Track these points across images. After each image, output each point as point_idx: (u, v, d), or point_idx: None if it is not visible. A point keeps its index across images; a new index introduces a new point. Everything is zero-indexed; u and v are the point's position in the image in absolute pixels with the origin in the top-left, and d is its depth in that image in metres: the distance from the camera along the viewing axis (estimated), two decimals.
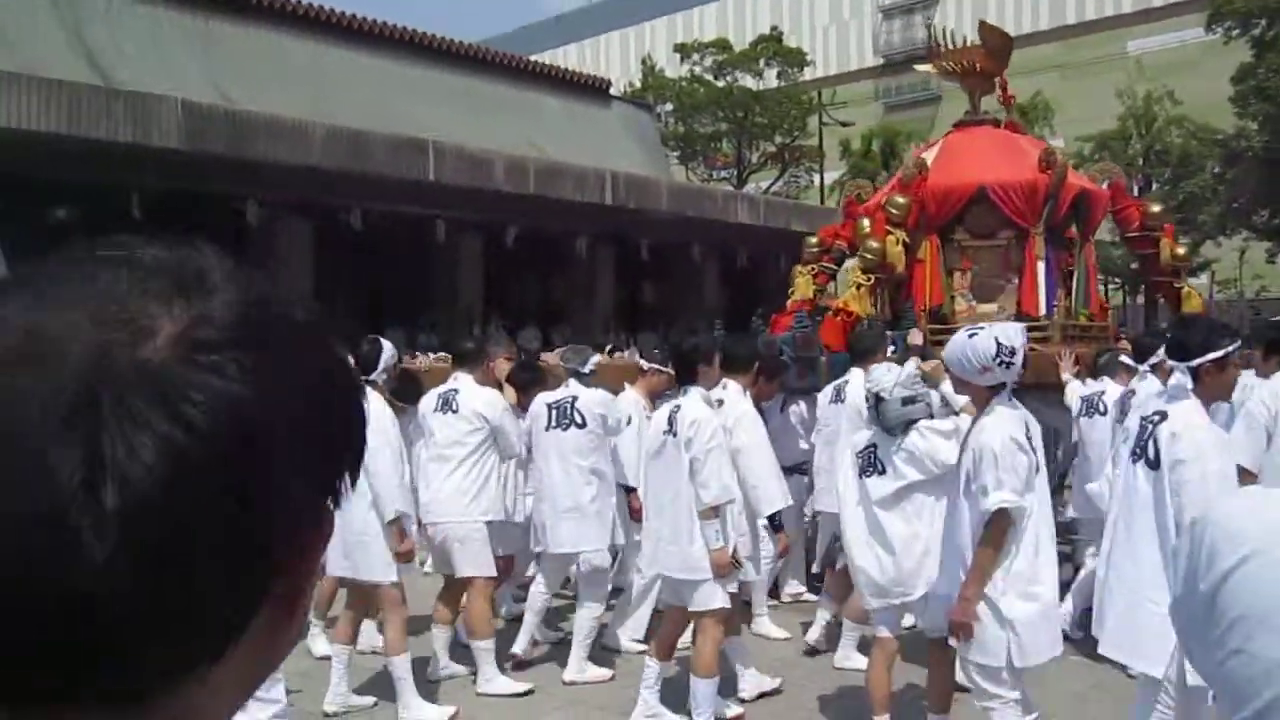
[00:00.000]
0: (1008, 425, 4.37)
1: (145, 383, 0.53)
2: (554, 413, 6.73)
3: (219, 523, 0.54)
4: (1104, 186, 10.14)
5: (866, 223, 9.42)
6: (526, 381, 7.20)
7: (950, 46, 10.61)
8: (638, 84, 38.30)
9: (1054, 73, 44.29)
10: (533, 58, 25.06)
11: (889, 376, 5.19)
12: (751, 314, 18.04)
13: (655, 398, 7.19)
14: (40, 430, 0.51)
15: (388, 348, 6.06)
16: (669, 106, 36.95)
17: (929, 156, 9.80)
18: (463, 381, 6.55)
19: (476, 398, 6.45)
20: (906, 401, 5.08)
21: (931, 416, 5.15)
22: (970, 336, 4.46)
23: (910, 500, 5.13)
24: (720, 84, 37.86)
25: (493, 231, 16.69)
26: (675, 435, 5.47)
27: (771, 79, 39.11)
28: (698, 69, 38.53)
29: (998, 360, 4.32)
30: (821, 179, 37.41)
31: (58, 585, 0.52)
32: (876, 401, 5.18)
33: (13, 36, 14.38)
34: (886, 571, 5.12)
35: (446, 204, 15.42)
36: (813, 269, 10.24)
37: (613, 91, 26.37)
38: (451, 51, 21.22)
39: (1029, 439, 4.42)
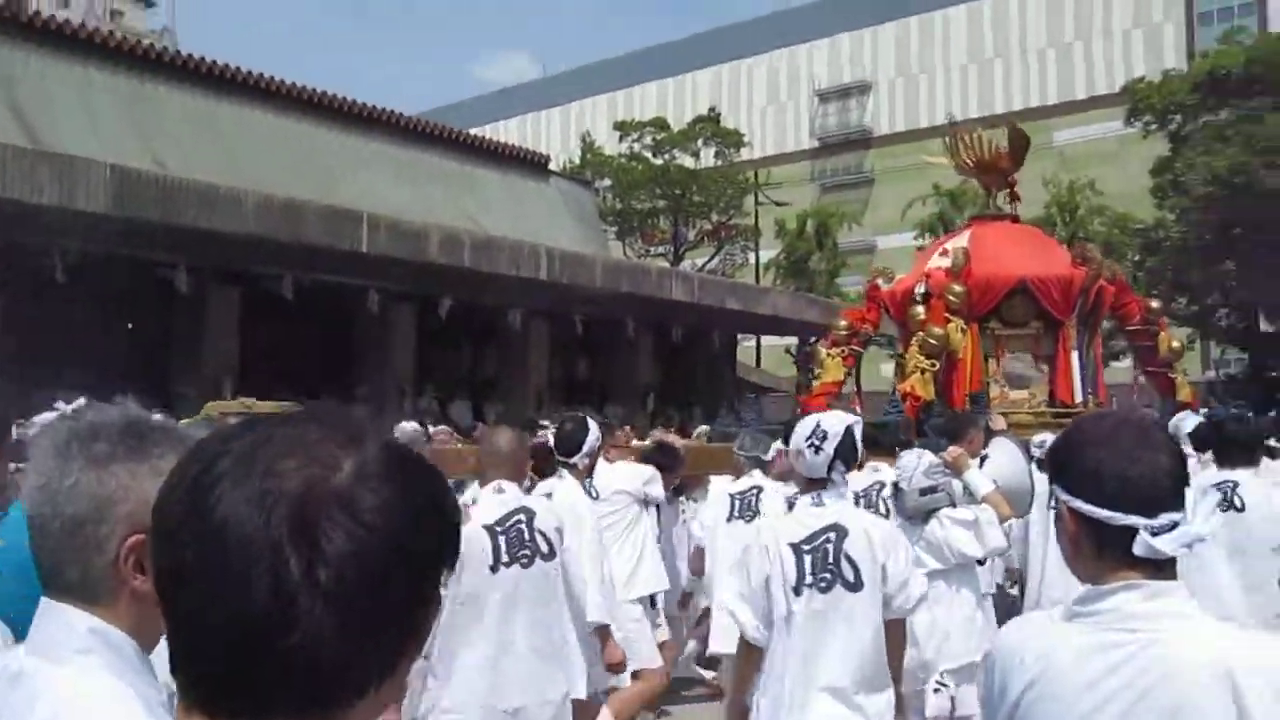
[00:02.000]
0: (771, 531, 4.01)
1: (339, 501, 0.82)
2: (738, 503, 6.44)
3: (387, 591, 0.82)
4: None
5: (921, 309, 9.65)
6: (663, 465, 6.86)
7: (969, 143, 11.28)
8: (577, 160, 38.64)
9: None
10: (473, 131, 25.16)
11: (914, 464, 5.13)
12: (684, 390, 18.04)
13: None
14: (277, 533, 0.80)
15: (593, 430, 5.64)
16: (607, 183, 37.28)
17: (960, 246, 10.16)
18: (598, 467, 6.24)
19: (614, 478, 6.21)
20: (925, 491, 5.01)
21: (954, 505, 5.06)
22: (806, 416, 4.17)
23: (931, 588, 5.08)
24: (658, 162, 38.32)
25: (426, 303, 16.57)
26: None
27: (709, 158, 39.68)
28: (636, 146, 38.98)
29: (809, 444, 3.91)
30: (757, 257, 37.87)
31: (287, 638, 0.79)
32: (895, 491, 5.16)
33: None
34: (910, 658, 5.10)
35: (380, 275, 15.29)
36: (841, 351, 10.37)
37: (552, 167, 26.52)
38: (390, 122, 21.19)
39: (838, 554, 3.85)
